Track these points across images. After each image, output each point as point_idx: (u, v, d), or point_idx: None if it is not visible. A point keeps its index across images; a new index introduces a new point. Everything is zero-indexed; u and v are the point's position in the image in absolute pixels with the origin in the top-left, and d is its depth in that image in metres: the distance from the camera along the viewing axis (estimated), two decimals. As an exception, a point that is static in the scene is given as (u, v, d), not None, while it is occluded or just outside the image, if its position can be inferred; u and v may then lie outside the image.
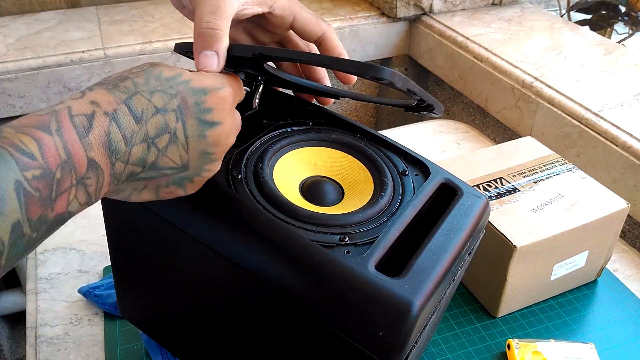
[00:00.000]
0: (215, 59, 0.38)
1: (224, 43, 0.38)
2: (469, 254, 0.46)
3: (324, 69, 0.49)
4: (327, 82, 0.50)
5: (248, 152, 0.44)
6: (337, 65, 0.38)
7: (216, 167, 0.38)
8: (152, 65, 0.36)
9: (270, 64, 0.42)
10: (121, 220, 0.49)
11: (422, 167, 0.48)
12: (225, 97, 0.36)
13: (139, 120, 0.32)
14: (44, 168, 0.28)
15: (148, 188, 0.36)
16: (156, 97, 0.34)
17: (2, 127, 0.29)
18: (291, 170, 0.45)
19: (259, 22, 0.46)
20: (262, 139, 0.46)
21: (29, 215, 0.28)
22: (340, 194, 0.45)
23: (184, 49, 0.42)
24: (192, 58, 0.40)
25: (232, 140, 0.38)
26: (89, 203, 0.32)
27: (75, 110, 0.31)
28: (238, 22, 0.45)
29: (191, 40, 0.39)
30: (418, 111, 0.47)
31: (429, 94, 0.42)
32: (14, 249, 0.28)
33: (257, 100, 0.44)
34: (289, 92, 0.51)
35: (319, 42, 0.46)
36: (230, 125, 0.37)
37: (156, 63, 0.36)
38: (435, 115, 0.48)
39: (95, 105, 0.31)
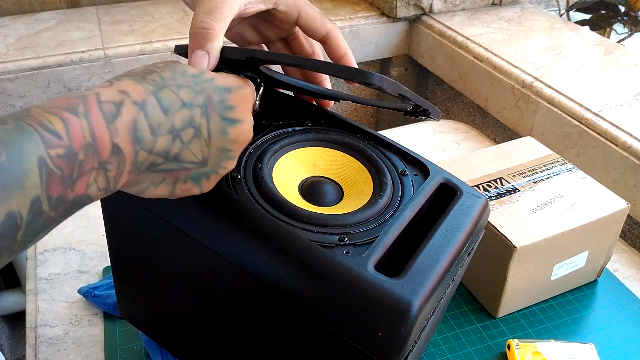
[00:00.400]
0: (205, 58, 0.38)
1: (217, 43, 0.38)
2: (469, 254, 0.46)
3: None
4: (328, 85, 0.50)
5: (247, 153, 0.44)
6: (327, 69, 0.38)
7: (232, 164, 0.38)
8: (174, 63, 0.36)
9: (271, 66, 0.43)
10: (121, 221, 0.49)
11: (421, 167, 0.48)
12: (246, 95, 0.38)
13: (167, 113, 0.33)
14: (68, 148, 0.29)
15: (166, 181, 0.36)
16: (183, 92, 0.35)
17: (30, 107, 0.29)
18: (290, 170, 0.45)
19: (265, 17, 0.46)
20: (261, 139, 0.46)
21: (49, 192, 0.28)
22: (340, 194, 0.45)
23: (184, 51, 0.42)
24: None
25: (249, 138, 0.39)
26: (107, 189, 0.32)
27: (104, 97, 0.31)
28: (244, 18, 0.45)
29: None
30: (416, 115, 0.47)
31: (423, 100, 0.43)
32: (31, 225, 0.28)
33: (257, 102, 0.44)
34: (289, 92, 0.51)
35: (323, 41, 0.47)
36: (249, 123, 0.38)
37: (177, 61, 0.37)
38: (433, 120, 0.48)
39: (124, 94, 0.32)
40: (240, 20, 0.46)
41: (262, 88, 0.44)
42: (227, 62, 0.39)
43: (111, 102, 0.31)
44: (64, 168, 0.28)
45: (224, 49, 0.39)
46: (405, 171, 0.47)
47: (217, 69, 0.39)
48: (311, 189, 0.44)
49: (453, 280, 0.43)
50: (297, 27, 0.47)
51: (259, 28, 0.48)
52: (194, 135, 0.35)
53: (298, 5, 0.45)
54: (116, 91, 0.32)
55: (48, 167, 0.28)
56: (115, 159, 0.31)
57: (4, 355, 0.57)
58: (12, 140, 0.27)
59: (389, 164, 0.47)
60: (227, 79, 0.37)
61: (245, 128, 0.38)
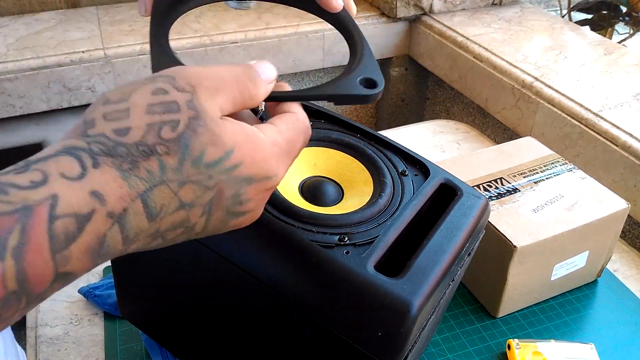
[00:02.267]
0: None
1: None
2: (469, 254, 0.46)
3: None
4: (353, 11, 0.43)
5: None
6: None
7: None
8: (189, 128, 0.25)
9: None
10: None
11: (421, 167, 0.48)
12: (272, 187, 0.30)
13: (153, 218, 0.25)
14: None
15: None
16: (186, 190, 0.25)
17: None
18: (291, 170, 0.45)
19: None
20: (261, 139, 0.46)
21: None
22: (340, 194, 0.45)
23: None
24: None
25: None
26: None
27: (64, 206, 0.22)
28: None
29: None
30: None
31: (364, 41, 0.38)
32: None
33: (264, 103, 0.44)
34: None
35: None
36: (261, 209, 0.30)
37: (199, 112, 0.25)
38: (373, 96, 0.35)
39: (98, 200, 0.22)
40: None
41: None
42: None
43: (73, 215, 0.22)
44: None
45: None
46: (405, 171, 0.47)
47: None
48: (311, 189, 0.44)
49: (453, 280, 0.43)
50: None
51: None
52: (182, 233, 0.27)
53: None
54: (87, 193, 0.22)
55: None
56: (57, 285, 0.23)
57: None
58: None
59: (389, 164, 0.47)
60: (257, 166, 0.27)
61: (252, 216, 0.30)
